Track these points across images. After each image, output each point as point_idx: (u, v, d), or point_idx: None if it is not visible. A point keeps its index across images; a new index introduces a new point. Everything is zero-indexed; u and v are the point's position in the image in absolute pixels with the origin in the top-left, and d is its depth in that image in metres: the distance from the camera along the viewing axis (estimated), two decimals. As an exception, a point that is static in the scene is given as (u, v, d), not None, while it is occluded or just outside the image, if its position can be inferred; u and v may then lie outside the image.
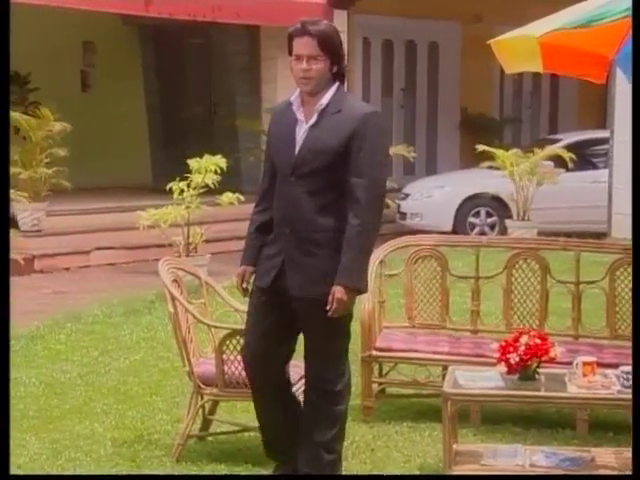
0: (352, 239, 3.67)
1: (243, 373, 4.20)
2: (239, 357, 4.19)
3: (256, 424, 4.14)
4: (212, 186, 8.58)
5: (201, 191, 8.61)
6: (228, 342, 4.29)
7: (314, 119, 3.76)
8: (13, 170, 9.74)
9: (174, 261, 4.83)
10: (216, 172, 8.57)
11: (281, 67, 12.36)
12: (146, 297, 7.87)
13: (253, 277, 3.94)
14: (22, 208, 9.62)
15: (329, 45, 3.72)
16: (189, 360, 4.42)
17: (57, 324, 7.08)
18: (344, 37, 12.39)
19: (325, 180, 3.72)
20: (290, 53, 3.79)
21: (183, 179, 8.79)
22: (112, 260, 9.98)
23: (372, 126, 3.72)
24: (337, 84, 3.78)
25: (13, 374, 5.77)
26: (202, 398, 4.47)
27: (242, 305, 4.46)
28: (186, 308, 4.44)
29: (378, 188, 3.75)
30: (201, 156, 8.67)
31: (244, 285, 3.95)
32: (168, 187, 8.83)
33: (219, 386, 4.34)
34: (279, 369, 3.94)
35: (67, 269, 9.69)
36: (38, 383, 5.63)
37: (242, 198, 8.79)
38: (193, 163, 8.73)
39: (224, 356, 4.30)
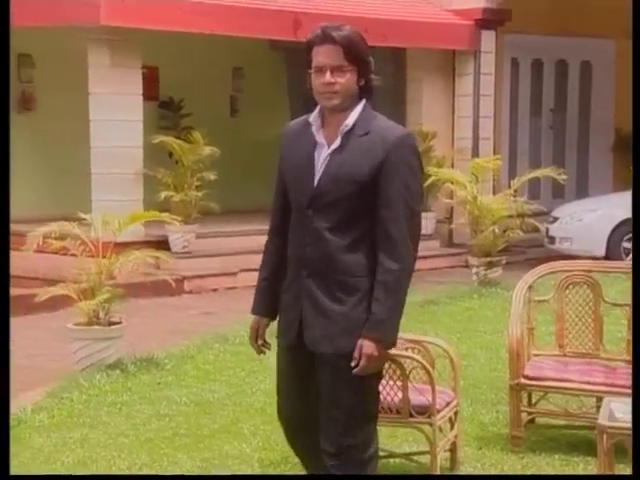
0: (390, 286, 3.12)
1: (389, 398, 4.17)
2: (390, 382, 4.16)
3: (403, 450, 4.06)
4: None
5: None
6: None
7: (337, 142, 3.21)
8: (166, 193, 10.12)
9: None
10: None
11: (426, 88, 12.34)
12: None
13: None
14: (174, 230, 9.91)
15: (356, 53, 3.16)
16: (335, 384, 4.39)
17: (206, 344, 7.24)
18: (492, 58, 12.29)
19: (349, 213, 3.16)
20: (309, 66, 3.20)
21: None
22: (258, 282, 10.13)
23: (406, 152, 3.19)
24: (364, 102, 3.25)
25: (165, 392, 5.95)
26: (348, 422, 4.43)
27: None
28: (332, 331, 4.42)
29: (414, 222, 3.19)
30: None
31: (259, 342, 3.46)
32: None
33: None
34: (317, 435, 3.30)
35: (215, 290, 9.93)
36: (189, 402, 5.75)
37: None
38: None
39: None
